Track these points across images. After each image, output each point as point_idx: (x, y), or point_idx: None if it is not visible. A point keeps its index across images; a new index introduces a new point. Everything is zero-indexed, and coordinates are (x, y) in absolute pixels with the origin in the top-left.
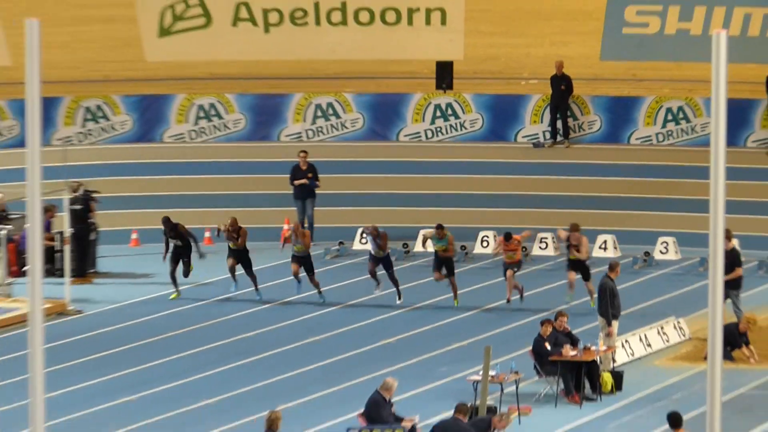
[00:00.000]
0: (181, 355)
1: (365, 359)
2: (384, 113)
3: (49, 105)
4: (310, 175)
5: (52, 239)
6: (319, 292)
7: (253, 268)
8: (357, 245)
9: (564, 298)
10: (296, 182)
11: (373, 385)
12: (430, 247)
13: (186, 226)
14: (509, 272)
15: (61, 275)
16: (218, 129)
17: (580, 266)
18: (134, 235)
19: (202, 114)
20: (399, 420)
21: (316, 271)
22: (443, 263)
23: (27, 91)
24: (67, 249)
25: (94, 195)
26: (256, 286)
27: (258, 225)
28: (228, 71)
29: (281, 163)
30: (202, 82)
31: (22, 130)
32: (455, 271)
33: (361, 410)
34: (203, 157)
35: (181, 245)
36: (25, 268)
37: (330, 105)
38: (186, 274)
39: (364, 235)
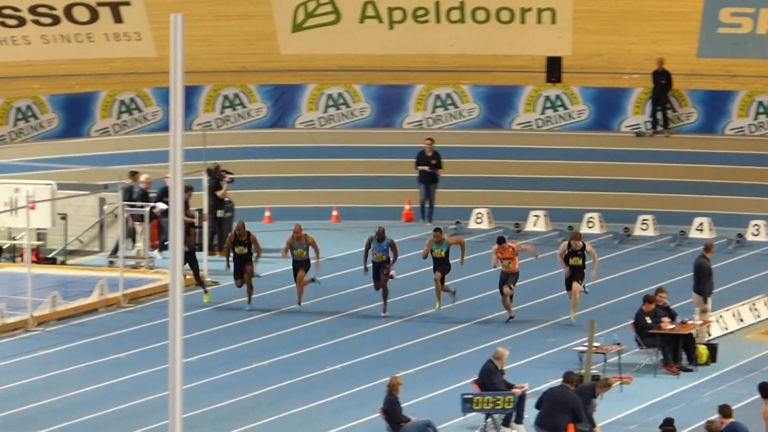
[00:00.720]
0: (307, 325)
1: (479, 330)
2: (498, 103)
3: (190, 93)
4: (433, 162)
5: (191, 216)
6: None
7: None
8: (473, 224)
9: (570, 318)
10: (419, 168)
11: (485, 355)
12: (541, 225)
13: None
14: (506, 289)
15: (200, 249)
16: (346, 116)
17: (578, 273)
18: (267, 213)
19: (330, 103)
20: (510, 387)
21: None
22: (442, 268)
23: (171, 81)
24: (206, 225)
25: (227, 175)
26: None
27: (381, 205)
28: (355, 64)
29: (403, 149)
30: (332, 73)
31: (166, 116)
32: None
33: (475, 377)
34: (332, 142)
35: (187, 251)
36: (166, 242)
37: (449, 95)
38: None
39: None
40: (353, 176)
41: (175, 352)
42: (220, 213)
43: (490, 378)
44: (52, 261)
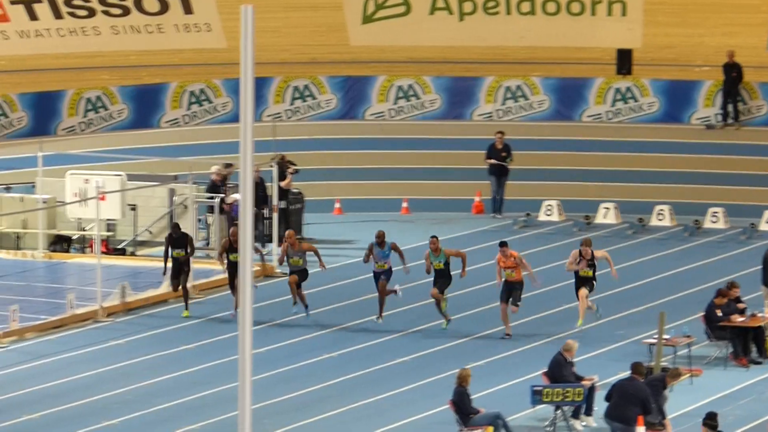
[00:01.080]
0: (376, 317)
1: (548, 322)
2: (568, 96)
3: (260, 84)
4: (504, 154)
5: (261, 207)
6: (305, 305)
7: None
8: (543, 216)
9: (576, 323)
10: (488, 161)
11: (555, 347)
12: (611, 218)
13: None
14: (512, 308)
15: (270, 240)
16: (416, 108)
17: (588, 283)
18: (337, 204)
19: (401, 94)
20: (579, 379)
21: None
22: (442, 281)
23: (241, 72)
24: (275, 217)
25: (291, 166)
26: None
27: (451, 197)
28: (425, 55)
29: (474, 140)
30: (402, 65)
31: (236, 107)
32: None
33: (545, 369)
34: (402, 134)
35: (183, 257)
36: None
37: (519, 87)
38: (185, 283)
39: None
40: (423, 168)
41: (244, 342)
42: (282, 204)
43: (560, 370)
44: (122, 252)
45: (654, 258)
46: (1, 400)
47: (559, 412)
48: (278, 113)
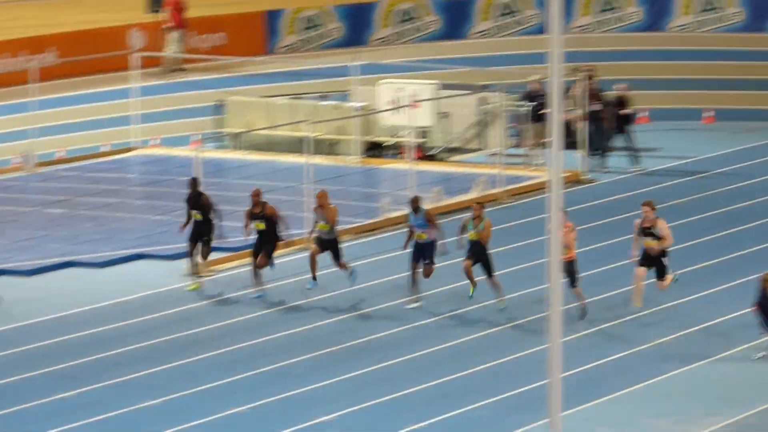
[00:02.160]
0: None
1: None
2: None
3: None
4: None
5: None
6: (350, 272)
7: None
8: None
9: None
10: None
11: None
12: None
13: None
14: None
15: (573, 147)
16: (719, 21)
17: (655, 260)
18: (645, 113)
19: (708, 6)
20: None
21: None
22: (476, 255)
23: None
24: (584, 125)
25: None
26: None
27: (753, 106)
28: None
29: None
30: None
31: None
32: (494, 269)
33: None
34: (703, 45)
35: (201, 220)
36: (545, 140)
37: None
38: (205, 256)
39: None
40: (722, 78)
41: (554, 245)
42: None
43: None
44: (433, 158)
45: None
46: (320, 300)
47: None
48: (588, 24)
